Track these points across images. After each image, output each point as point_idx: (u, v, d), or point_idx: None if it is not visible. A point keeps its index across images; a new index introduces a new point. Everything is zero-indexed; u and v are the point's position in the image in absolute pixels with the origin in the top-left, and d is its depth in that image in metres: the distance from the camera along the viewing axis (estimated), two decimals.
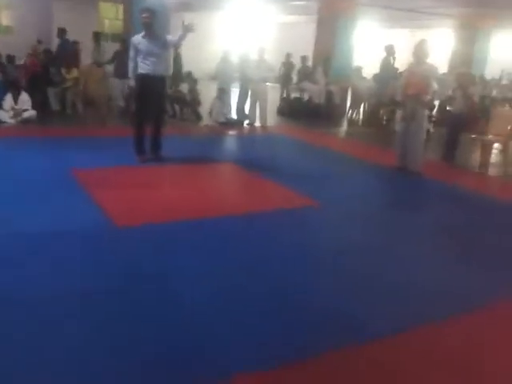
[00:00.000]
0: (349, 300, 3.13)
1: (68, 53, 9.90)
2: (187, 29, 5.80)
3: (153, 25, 5.90)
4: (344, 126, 11.10)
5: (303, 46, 14.82)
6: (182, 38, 5.91)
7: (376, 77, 10.81)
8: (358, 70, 11.45)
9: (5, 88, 8.25)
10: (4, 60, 9.49)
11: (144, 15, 5.86)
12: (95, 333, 2.60)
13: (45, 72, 9.22)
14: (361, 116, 11.51)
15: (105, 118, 8.66)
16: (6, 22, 19.02)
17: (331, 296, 3.20)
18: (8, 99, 7.97)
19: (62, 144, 6.87)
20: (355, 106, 11.56)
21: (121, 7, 16.28)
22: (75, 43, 10.16)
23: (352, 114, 11.59)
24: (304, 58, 13.10)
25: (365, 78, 11.34)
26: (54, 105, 9.07)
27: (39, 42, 11.96)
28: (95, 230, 3.96)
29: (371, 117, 10.76)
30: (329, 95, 11.44)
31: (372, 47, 19.66)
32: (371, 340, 2.69)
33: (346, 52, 12.57)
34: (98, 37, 10.37)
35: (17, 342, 2.46)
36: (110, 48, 10.37)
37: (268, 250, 3.88)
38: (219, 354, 2.49)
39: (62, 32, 10.32)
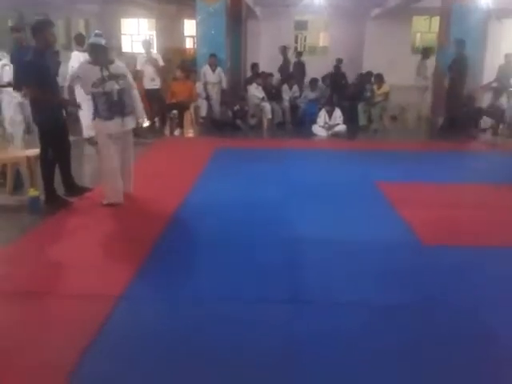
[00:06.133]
0: None
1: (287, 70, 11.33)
2: None
3: None
4: None
5: None
6: None
7: None
8: None
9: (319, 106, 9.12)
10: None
11: None
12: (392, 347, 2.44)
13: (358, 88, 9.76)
14: None
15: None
16: (322, 43, 21.20)
17: None
18: (322, 115, 8.71)
19: (367, 157, 7.05)
20: None
21: (434, 20, 15.92)
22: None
23: None
24: None
25: None
26: (362, 119, 9.44)
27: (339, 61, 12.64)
28: (401, 244, 3.90)
29: None
30: None
31: None
32: None
33: None
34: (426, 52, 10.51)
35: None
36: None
37: None
38: None
39: (284, 50, 11.94)
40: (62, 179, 4.90)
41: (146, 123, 4.68)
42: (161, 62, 8.83)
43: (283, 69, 12.10)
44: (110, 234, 4.05)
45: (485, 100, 10.00)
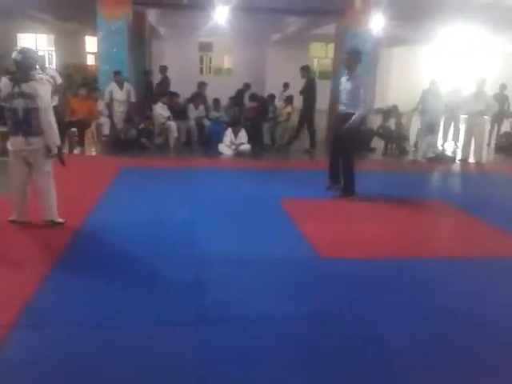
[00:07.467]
0: None
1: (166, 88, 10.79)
2: None
3: (351, 66, 5.89)
4: None
5: None
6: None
7: None
8: None
9: (224, 125, 9.30)
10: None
11: (343, 57, 6.01)
12: (299, 358, 2.58)
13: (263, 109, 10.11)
14: None
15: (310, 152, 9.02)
16: (227, 65, 21.73)
17: None
18: (228, 134, 8.88)
19: (270, 175, 7.33)
20: None
21: (330, 46, 16.97)
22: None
23: None
24: None
25: None
26: (267, 139, 9.76)
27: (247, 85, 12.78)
28: (301, 258, 4.10)
29: None
30: None
31: None
32: None
33: None
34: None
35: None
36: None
37: (471, 301, 3.49)
38: None
39: (163, 69, 11.54)
40: None
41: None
42: (58, 80, 8.41)
43: (159, 85, 11.71)
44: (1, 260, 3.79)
45: (374, 122, 10.81)
